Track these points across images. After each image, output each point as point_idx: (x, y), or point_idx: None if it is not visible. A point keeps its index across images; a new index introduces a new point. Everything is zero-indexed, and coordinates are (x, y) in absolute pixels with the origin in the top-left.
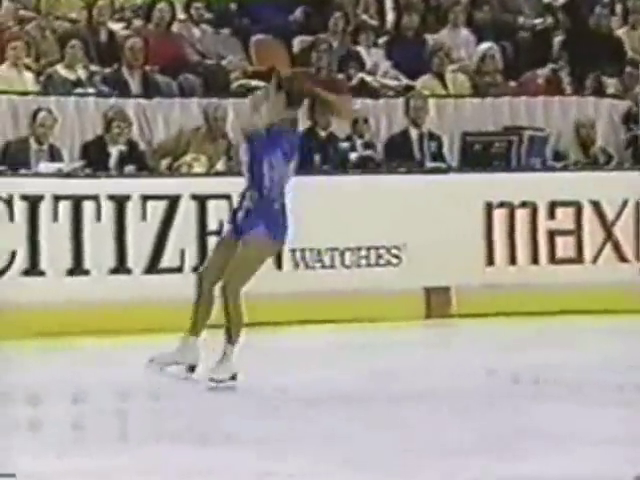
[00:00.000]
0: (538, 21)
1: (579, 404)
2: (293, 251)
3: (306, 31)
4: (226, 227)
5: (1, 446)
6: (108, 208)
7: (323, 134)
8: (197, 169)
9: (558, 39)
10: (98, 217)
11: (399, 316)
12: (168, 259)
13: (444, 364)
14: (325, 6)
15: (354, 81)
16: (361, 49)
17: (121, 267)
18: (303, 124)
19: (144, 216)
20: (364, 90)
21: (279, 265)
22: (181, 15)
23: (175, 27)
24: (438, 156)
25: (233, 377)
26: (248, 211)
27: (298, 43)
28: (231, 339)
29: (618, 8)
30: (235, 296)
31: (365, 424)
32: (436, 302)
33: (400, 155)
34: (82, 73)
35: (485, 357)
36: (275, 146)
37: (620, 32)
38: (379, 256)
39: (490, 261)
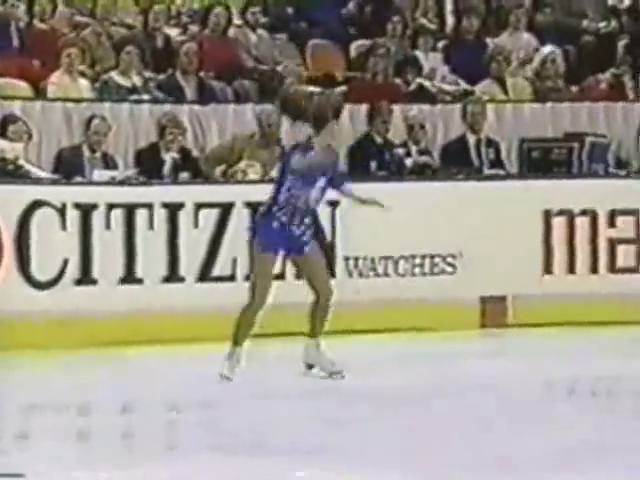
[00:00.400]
0: (602, 24)
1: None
2: (346, 259)
3: (364, 35)
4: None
5: (52, 456)
6: (161, 216)
7: (379, 140)
8: (251, 176)
9: (622, 43)
10: (151, 225)
11: (454, 326)
12: (220, 267)
13: (499, 375)
14: (384, 10)
15: (412, 86)
16: (419, 53)
17: (173, 275)
18: (359, 130)
19: (197, 224)
20: (421, 95)
21: (332, 274)
22: (237, 20)
23: (231, 32)
24: (496, 163)
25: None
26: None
27: (355, 48)
28: None
29: None
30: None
31: (423, 433)
32: (492, 312)
33: (457, 161)
34: (137, 79)
35: (542, 368)
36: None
37: None
38: (434, 264)
39: (548, 270)
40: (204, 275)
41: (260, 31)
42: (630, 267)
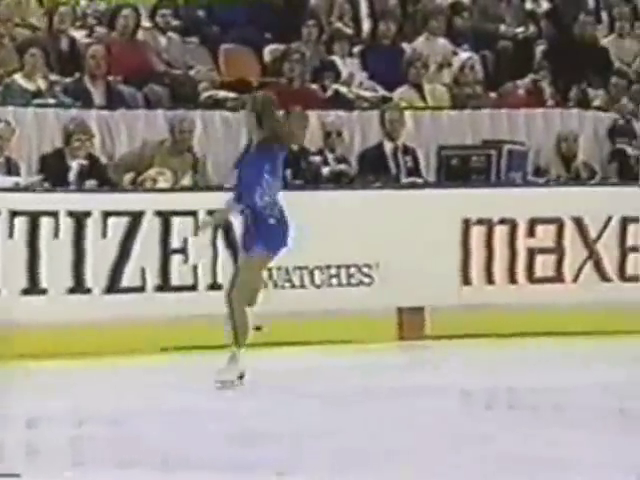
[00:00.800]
0: (520, 29)
1: (559, 428)
2: None
3: (278, 40)
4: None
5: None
6: (67, 224)
7: (294, 147)
8: (161, 184)
9: (540, 48)
10: (56, 234)
11: (371, 338)
12: (129, 278)
13: (417, 388)
14: (298, 14)
15: (329, 92)
16: (336, 59)
17: (79, 287)
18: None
19: (105, 233)
20: (339, 102)
21: None
22: (146, 22)
23: (140, 35)
24: (414, 171)
25: (241, 377)
26: (248, 229)
27: (270, 52)
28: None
29: (604, 16)
30: (240, 305)
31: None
32: (409, 323)
33: (374, 170)
34: (42, 83)
35: (460, 381)
36: (262, 163)
37: (606, 41)
38: (350, 275)
39: (466, 280)
40: (112, 286)
41: (171, 34)
42: (549, 277)
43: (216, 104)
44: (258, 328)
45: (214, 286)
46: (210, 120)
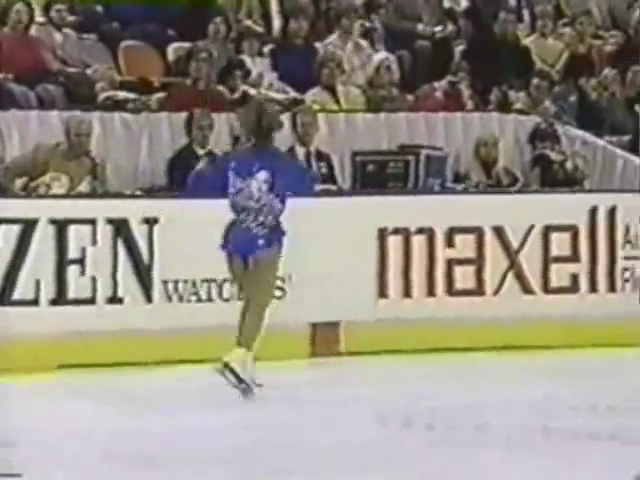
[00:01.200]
0: (438, 29)
1: (479, 449)
2: (165, 282)
3: (183, 37)
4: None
5: None
6: None
7: (201, 152)
8: (56, 190)
9: (459, 48)
10: None
11: (282, 355)
12: (21, 291)
13: (332, 407)
14: (204, 10)
15: (237, 94)
16: (245, 58)
17: None
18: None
19: None
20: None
21: (148, 298)
22: (40, 18)
23: (34, 31)
24: (328, 177)
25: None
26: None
27: (173, 51)
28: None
29: (525, 14)
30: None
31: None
32: (323, 339)
33: None
34: None
35: (377, 399)
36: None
37: (527, 41)
38: None
39: (383, 293)
40: (2, 300)
41: (66, 30)
42: (469, 289)
43: (115, 105)
44: None
45: (114, 299)
46: (109, 122)
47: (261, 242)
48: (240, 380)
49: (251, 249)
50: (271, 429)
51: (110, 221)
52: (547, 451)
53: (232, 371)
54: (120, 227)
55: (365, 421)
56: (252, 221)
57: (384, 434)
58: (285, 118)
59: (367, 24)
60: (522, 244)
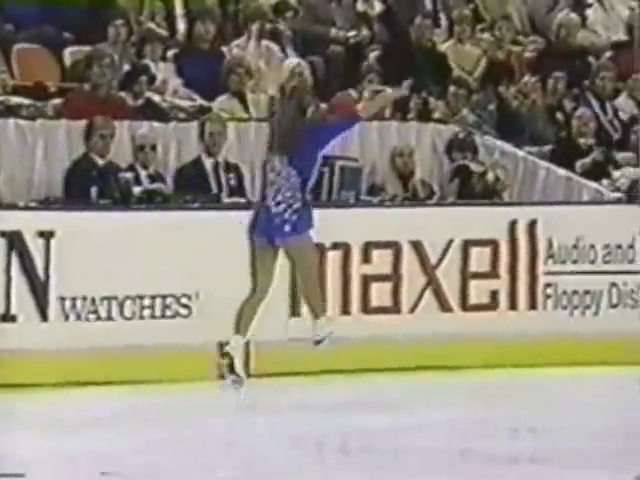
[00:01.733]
0: (351, 33)
1: (397, 473)
2: (62, 300)
3: (81, 41)
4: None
5: None
6: None
7: (101, 162)
8: None
9: (374, 54)
10: None
11: (189, 376)
12: None
13: (242, 432)
14: (104, 11)
15: (140, 100)
16: (148, 63)
17: None
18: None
19: None
20: (151, 111)
21: (44, 316)
22: None
23: None
24: (237, 189)
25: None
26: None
27: (70, 54)
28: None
29: (442, 18)
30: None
31: None
32: None
33: (192, 188)
34: None
35: (289, 422)
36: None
37: (444, 46)
38: (166, 306)
39: (295, 312)
40: None
41: None
42: (385, 307)
43: (9, 111)
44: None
45: (6, 317)
46: (2, 129)
47: (287, 228)
48: (232, 371)
49: (280, 234)
50: (174, 453)
51: (3, 234)
52: (466, 475)
53: (230, 362)
54: (14, 240)
55: (276, 446)
56: (272, 198)
57: (296, 459)
58: (191, 127)
59: (278, 27)
60: (440, 259)
